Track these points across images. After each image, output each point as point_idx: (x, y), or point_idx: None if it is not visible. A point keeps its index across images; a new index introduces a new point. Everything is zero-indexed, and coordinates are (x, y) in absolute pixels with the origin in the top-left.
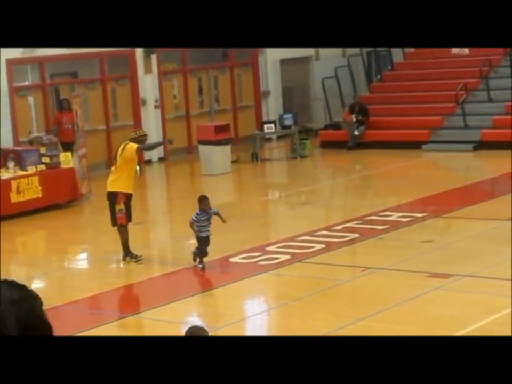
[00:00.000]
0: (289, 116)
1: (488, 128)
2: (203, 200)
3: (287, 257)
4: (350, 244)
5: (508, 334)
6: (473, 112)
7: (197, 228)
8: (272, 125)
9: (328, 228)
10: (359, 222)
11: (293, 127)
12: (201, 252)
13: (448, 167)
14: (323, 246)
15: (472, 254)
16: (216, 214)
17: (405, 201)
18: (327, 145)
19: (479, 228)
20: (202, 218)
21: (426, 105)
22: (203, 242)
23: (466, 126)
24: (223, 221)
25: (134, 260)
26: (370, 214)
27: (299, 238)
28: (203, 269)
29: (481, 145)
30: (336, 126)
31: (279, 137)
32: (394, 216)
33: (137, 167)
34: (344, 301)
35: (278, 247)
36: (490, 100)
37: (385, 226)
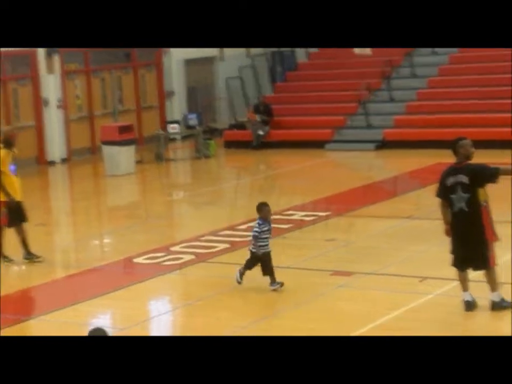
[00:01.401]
0: (193, 116)
1: (390, 128)
2: (263, 207)
3: (191, 257)
4: None
5: (410, 330)
6: (375, 112)
7: (257, 241)
8: (177, 125)
9: (232, 228)
10: None
11: (197, 127)
12: (247, 267)
13: (351, 166)
14: (227, 245)
15: (374, 252)
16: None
17: (309, 201)
18: (231, 145)
19: (381, 226)
20: (265, 229)
21: (330, 105)
22: (257, 260)
23: (368, 126)
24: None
25: (34, 260)
26: (274, 214)
27: (203, 238)
28: (282, 285)
29: (383, 145)
30: (240, 126)
31: (184, 137)
32: (298, 215)
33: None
34: (248, 300)
35: (182, 247)
36: (392, 100)
37: (289, 225)
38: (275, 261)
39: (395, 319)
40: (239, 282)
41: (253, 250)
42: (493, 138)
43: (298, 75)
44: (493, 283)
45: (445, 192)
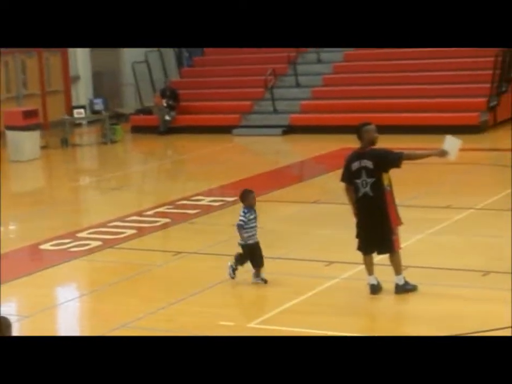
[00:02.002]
0: (99, 100)
1: (296, 113)
2: (248, 194)
3: (99, 243)
4: (161, 228)
5: (316, 314)
6: (281, 97)
7: (244, 232)
8: (82, 110)
9: (139, 213)
10: (171, 206)
11: (103, 112)
12: (241, 261)
13: (258, 151)
14: (134, 231)
15: (281, 237)
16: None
17: (216, 186)
18: (138, 130)
19: (288, 210)
20: (251, 217)
21: (236, 90)
22: (249, 251)
23: (275, 111)
24: None
25: None
26: (182, 199)
27: (110, 224)
28: (233, 277)
29: (289, 130)
30: (147, 111)
31: (90, 123)
32: (206, 201)
33: None
34: (156, 286)
35: (89, 233)
36: (298, 85)
37: (197, 211)
38: (183, 246)
39: (302, 303)
40: (233, 277)
41: (241, 243)
42: (398, 124)
43: (205, 60)
44: (397, 266)
45: (349, 177)
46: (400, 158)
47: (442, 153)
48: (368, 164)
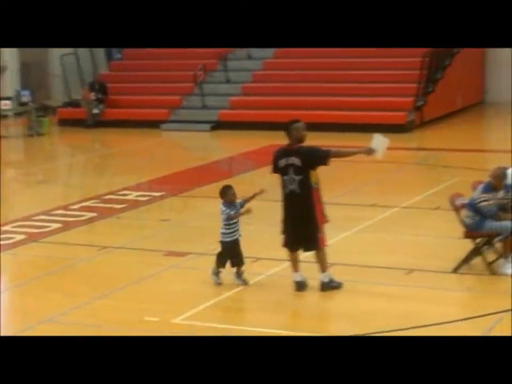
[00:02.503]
0: (26, 92)
1: (225, 109)
2: (228, 190)
3: (23, 236)
4: (87, 223)
5: (242, 310)
6: (211, 93)
7: (225, 229)
8: (9, 102)
9: (65, 207)
10: (97, 201)
11: (30, 104)
12: (221, 260)
13: (186, 147)
14: (60, 225)
15: (208, 232)
16: (242, 205)
17: (144, 180)
18: (65, 123)
19: (216, 206)
20: (232, 212)
21: (166, 84)
22: (229, 249)
23: (204, 106)
24: (249, 211)
25: None
26: (109, 193)
27: (35, 218)
28: (219, 284)
29: (218, 125)
30: (75, 104)
31: (16, 114)
32: (133, 195)
33: None
34: (80, 281)
35: (13, 227)
36: (227, 81)
37: (124, 205)
38: (109, 241)
39: (228, 299)
40: (219, 283)
41: (221, 239)
42: (326, 121)
43: (134, 53)
44: (322, 264)
45: (277, 173)
46: (328, 155)
47: (370, 151)
48: (296, 161)
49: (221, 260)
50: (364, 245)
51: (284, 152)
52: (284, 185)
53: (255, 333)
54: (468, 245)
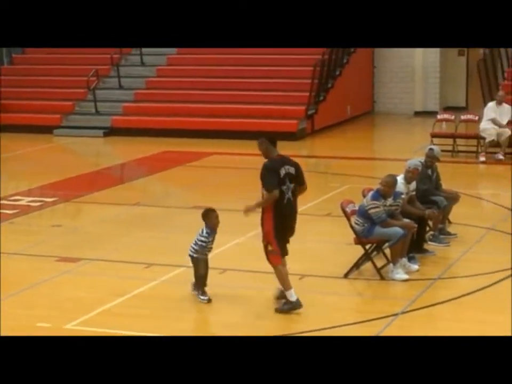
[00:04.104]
0: None
1: (118, 115)
2: (211, 214)
3: None
4: None
5: (135, 316)
6: (104, 99)
7: (199, 248)
8: None
9: None
10: None
11: None
12: (200, 279)
13: (79, 153)
14: None
15: (100, 238)
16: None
17: (36, 186)
18: None
19: (109, 212)
20: (211, 239)
21: (58, 90)
22: (204, 265)
23: (97, 112)
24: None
25: None
26: (1, 199)
27: None
28: (209, 301)
29: (111, 131)
30: None
31: None
32: (25, 201)
33: None
34: None
35: None
36: (120, 87)
37: (16, 211)
38: (2, 247)
39: (121, 306)
40: (209, 299)
41: (196, 256)
42: (219, 129)
43: (26, 58)
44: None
45: (279, 183)
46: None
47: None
48: (291, 170)
49: (200, 280)
50: (256, 251)
51: (279, 162)
52: (282, 195)
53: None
54: (358, 251)
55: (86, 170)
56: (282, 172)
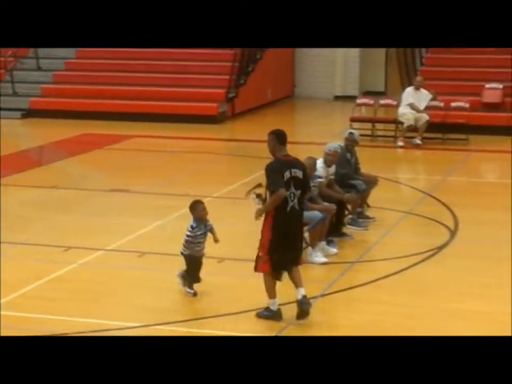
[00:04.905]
0: None
1: (36, 96)
2: (197, 205)
3: None
4: None
5: (54, 300)
6: (22, 80)
7: (189, 244)
8: None
9: None
10: None
11: None
12: (191, 275)
13: None
14: None
15: (20, 221)
16: (211, 230)
17: None
18: None
19: (27, 195)
20: (199, 233)
21: None
22: (195, 262)
23: (15, 93)
24: (216, 240)
25: None
26: None
27: None
28: (195, 294)
29: (29, 113)
30: None
31: None
32: None
33: None
34: None
35: None
36: (39, 68)
37: None
38: None
39: (40, 289)
40: (195, 293)
41: (186, 253)
42: (139, 111)
43: None
44: (300, 279)
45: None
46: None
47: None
48: (299, 174)
49: (192, 276)
50: (176, 234)
51: (284, 164)
52: (285, 202)
53: (65, 322)
54: None
55: (4, 152)
56: (287, 174)
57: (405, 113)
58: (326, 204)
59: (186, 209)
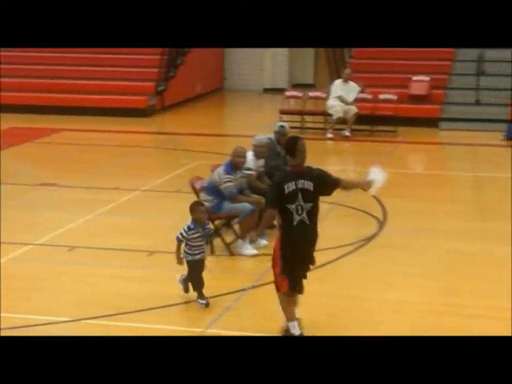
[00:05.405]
0: None
1: None
2: (197, 207)
3: None
4: None
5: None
6: None
7: (187, 249)
8: None
9: None
10: None
11: None
12: (195, 280)
13: None
14: None
15: None
16: (209, 235)
17: None
18: None
19: None
20: (196, 235)
21: None
22: (197, 267)
23: None
24: (212, 251)
25: None
26: None
27: None
28: (208, 304)
29: None
30: None
31: None
32: None
33: None
34: None
35: None
36: None
37: None
38: None
39: None
40: (208, 304)
41: (188, 258)
42: (68, 105)
43: None
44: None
45: (280, 201)
46: (337, 184)
47: (369, 185)
48: (308, 185)
49: (196, 280)
50: (105, 228)
51: (290, 175)
52: (290, 216)
53: None
54: None
55: None
56: (291, 186)
57: (334, 106)
58: (255, 196)
59: (117, 204)
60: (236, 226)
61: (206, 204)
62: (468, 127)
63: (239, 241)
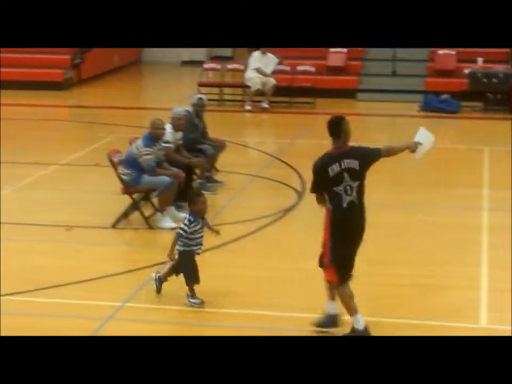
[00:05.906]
0: None
1: None
2: (197, 198)
3: None
4: None
5: None
6: None
7: (187, 241)
8: None
9: None
10: None
11: None
12: (189, 274)
13: None
14: None
15: None
16: (207, 225)
17: None
18: None
19: None
20: (197, 228)
21: None
22: (193, 259)
23: None
24: (216, 232)
25: None
26: None
27: None
28: (202, 303)
29: None
30: None
31: None
32: None
33: None
34: None
35: None
36: None
37: None
38: None
39: None
40: (202, 302)
41: (180, 249)
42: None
43: None
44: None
45: (327, 185)
46: (380, 154)
47: (416, 146)
48: (354, 164)
49: (190, 274)
50: (24, 203)
51: (333, 157)
52: (339, 198)
53: None
54: (126, 201)
55: None
56: (335, 169)
57: (252, 78)
58: (174, 169)
59: (35, 178)
60: (155, 200)
61: (124, 177)
62: (385, 98)
63: (158, 214)
